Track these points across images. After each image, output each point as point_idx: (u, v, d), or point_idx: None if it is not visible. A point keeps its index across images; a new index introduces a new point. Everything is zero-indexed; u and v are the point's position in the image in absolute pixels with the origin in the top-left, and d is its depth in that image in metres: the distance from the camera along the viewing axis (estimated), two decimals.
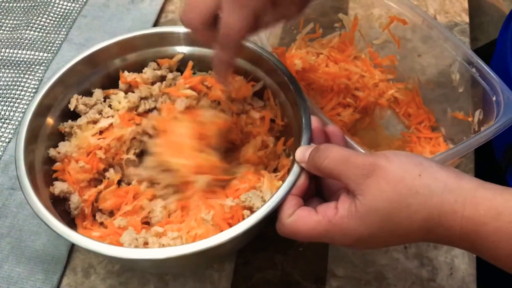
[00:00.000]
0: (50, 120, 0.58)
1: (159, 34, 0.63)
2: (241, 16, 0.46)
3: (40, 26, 0.81)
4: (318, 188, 0.53)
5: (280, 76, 0.59)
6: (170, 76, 0.64)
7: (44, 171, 0.56)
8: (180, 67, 0.65)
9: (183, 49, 0.64)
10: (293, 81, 0.57)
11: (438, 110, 0.72)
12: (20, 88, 0.73)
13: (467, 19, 0.84)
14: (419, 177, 0.42)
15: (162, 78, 0.64)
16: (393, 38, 0.74)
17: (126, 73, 0.63)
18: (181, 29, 0.62)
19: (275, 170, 0.60)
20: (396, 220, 0.43)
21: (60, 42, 0.79)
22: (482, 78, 0.64)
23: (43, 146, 0.57)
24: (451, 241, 0.43)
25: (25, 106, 0.72)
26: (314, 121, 0.53)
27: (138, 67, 0.64)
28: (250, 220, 0.48)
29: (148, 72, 0.63)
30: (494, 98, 0.62)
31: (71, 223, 0.56)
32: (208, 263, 0.60)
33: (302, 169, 0.50)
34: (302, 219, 0.47)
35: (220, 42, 0.49)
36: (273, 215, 0.49)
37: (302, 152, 0.50)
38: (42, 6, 0.83)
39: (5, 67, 0.76)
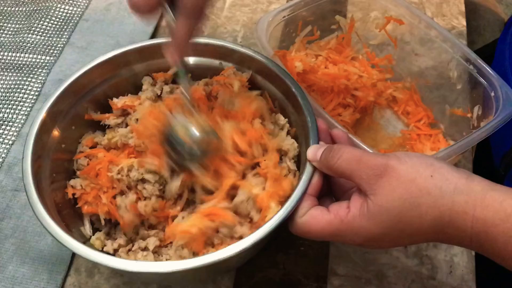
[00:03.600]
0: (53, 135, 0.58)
1: (150, 46, 0.63)
2: None
3: (42, 30, 0.81)
4: (328, 187, 0.53)
5: (279, 79, 0.59)
6: (166, 88, 0.63)
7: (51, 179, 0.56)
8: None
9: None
10: (294, 83, 0.58)
11: (436, 107, 0.73)
12: (23, 91, 0.74)
13: (464, 22, 0.85)
14: (430, 178, 0.43)
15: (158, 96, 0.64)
16: (390, 38, 0.75)
17: (115, 99, 0.62)
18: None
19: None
20: (407, 220, 0.43)
21: (62, 45, 0.80)
22: (480, 75, 0.65)
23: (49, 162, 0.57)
24: (461, 242, 0.44)
25: (28, 109, 0.72)
26: (320, 123, 0.54)
27: (131, 83, 0.63)
28: (267, 227, 0.48)
29: (149, 90, 0.62)
30: (492, 94, 0.64)
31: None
32: (216, 274, 0.60)
33: (314, 168, 0.51)
34: (314, 219, 0.47)
35: (186, 10, 0.48)
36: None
37: (314, 151, 0.51)
38: (44, 10, 0.84)
39: (8, 70, 0.77)
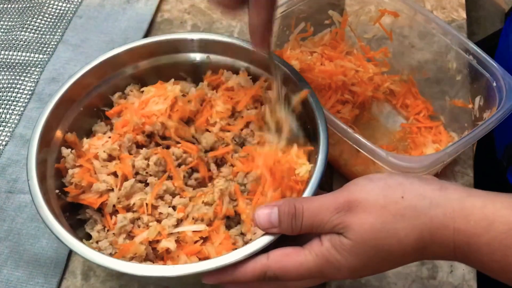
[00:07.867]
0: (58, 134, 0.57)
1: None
2: None
3: (35, 27, 0.80)
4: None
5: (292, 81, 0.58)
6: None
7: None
8: None
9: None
10: (306, 85, 0.56)
11: (436, 99, 0.72)
12: (16, 90, 0.73)
13: (464, 14, 0.84)
14: (402, 200, 0.41)
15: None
16: (385, 30, 0.73)
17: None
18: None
19: None
20: (386, 248, 0.41)
21: (55, 43, 0.79)
22: (480, 65, 0.64)
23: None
24: (446, 256, 0.42)
25: (21, 109, 0.71)
26: None
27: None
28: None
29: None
30: (494, 84, 0.63)
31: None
32: None
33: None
34: (288, 256, 0.44)
35: (257, 2, 0.47)
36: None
37: (266, 219, 0.45)
38: (37, 7, 0.82)
39: (1, 69, 0.75)
